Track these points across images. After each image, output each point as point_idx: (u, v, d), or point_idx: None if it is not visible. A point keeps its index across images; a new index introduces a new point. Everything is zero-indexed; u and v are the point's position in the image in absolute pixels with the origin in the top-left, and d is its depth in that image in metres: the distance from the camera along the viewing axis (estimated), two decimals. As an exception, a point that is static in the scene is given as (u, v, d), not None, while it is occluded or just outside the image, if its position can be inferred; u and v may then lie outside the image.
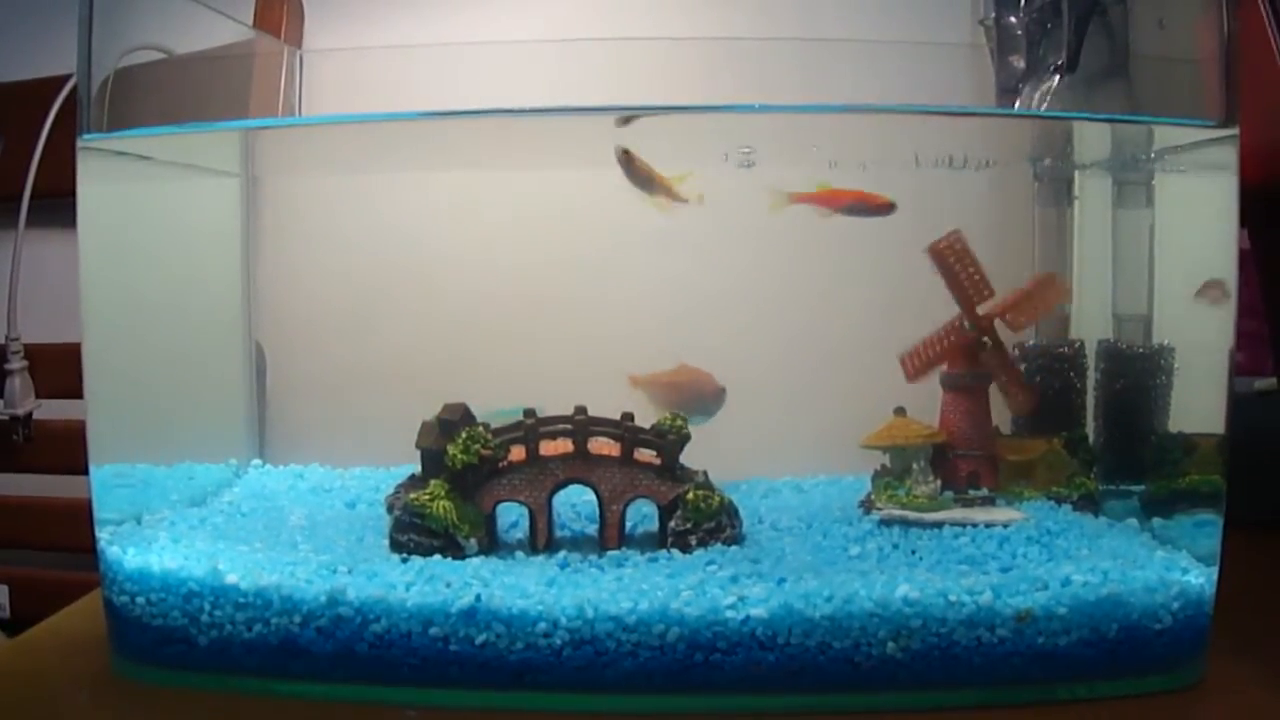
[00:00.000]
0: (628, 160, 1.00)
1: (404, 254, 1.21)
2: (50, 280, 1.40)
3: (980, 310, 1.05)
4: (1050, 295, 1.06)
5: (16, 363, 1.44)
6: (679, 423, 0.95)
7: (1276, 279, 1.07)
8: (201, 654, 0.85)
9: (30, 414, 1.46)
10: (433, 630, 0.82)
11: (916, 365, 1.06)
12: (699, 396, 1.07)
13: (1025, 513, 0.99)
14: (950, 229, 1.04)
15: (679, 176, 1.01)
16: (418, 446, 0.96)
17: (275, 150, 1.23)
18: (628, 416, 0.95)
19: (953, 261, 1.04)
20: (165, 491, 1.05)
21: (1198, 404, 0.97)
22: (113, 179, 0.95)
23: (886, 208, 1.05)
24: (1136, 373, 1.05)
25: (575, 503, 1.01)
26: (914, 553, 0.92)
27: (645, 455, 0.95)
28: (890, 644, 0.80)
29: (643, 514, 0.98)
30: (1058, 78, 1.04)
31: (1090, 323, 1.13)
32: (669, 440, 0.95)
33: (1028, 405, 1.08)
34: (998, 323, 1.05)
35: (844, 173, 1.08)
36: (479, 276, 1.18)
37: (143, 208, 1.04)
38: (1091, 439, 1.08)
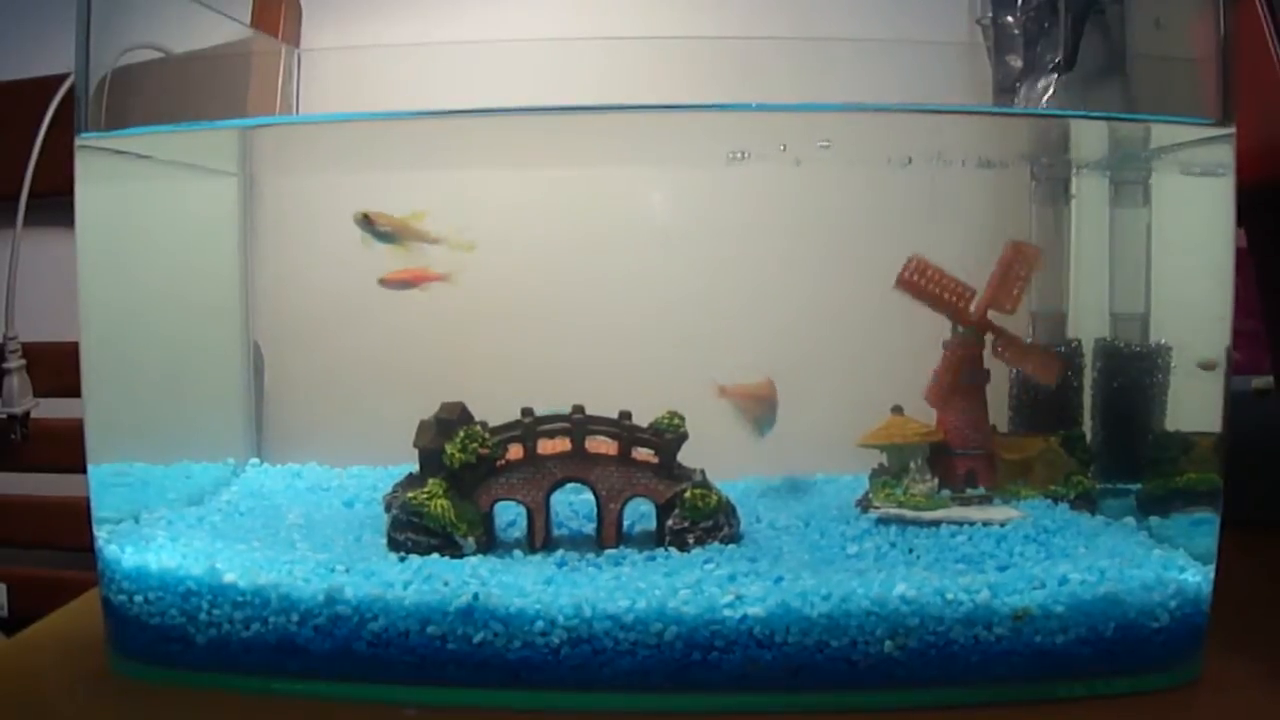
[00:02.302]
0: (368, 222, 1.03)
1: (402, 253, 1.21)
2: (48, 279, 1.40)
3: (972, 313, 1.05)
4: (1024, 262, 1.05)
5: (14, 361, 1.44)
6: (676, 421, 0.95)
7: (1273, 278, 1.07)
8: (199, 652, 0.85)
9: (28, 413, 1.46)
10: (430, 629, 0.82)
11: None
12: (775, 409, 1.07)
13: (1022, 511, 0.99)
14: (907, 257, 1.04)
15: (416, 215, 1.02)
16: (415, 445, 0.96)
17: (273, 149, 1.22)
18: (625, 415, 0.95)
19: (924, 285, 1.04)
20: (163, 490, 1.05)
21: (1195, 402, 0.97)
22: (111, 178, 0.95)
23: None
24: (1134, 371, 1.05)
25: (573, 501, 1.01)
26: (911, 551, 0.92)
27: (643, 454, 0.95)
28: (888, 642, 0.80)
29: (640, 513, 0.98)
30: (1055, 77, 1.04)
31: (1087, 321, 1.13)
32: (666, 439, 0.95)
33: (1058, 374, 1.08)
34: (993, 315, 1.06)
35: (842, 171, 1.08)
36: (476, 275, 1.18)
37: (141, 207, 1.04)
38: (1089, 438, 1.09)
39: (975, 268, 1.05)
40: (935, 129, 1.02)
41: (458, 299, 1.17)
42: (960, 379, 1.06)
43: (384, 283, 1.07)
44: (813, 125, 1.02)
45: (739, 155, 1.05)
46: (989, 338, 1.06)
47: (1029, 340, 1.13)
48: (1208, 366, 0.91)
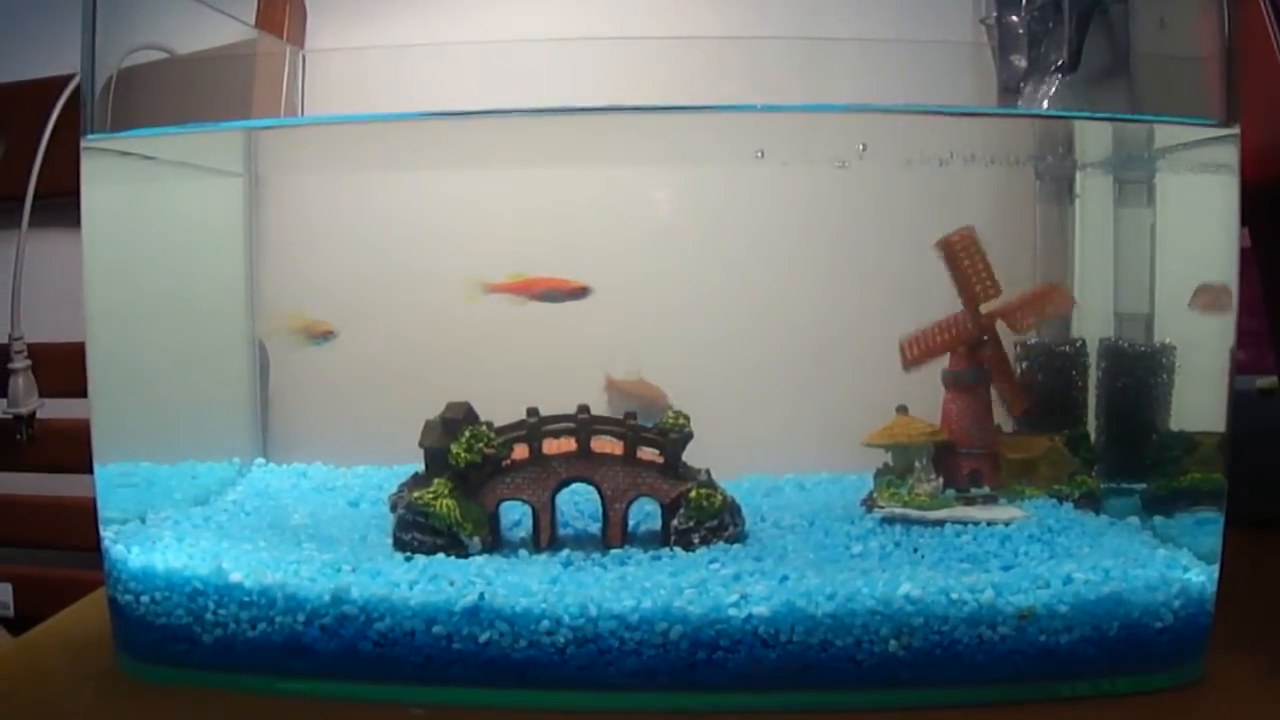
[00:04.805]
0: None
1: (407, 253, 1.21)
2: (53, 280, 1.41)
3: (984, 309, 1.05)
4: (1055, 303, 1.06)
5: (20, 362, 1.44)
6: (681, 421, 0.95)
7: (1277, 277, 1.07)
8: (206, 652, 0.85)
9: (34, 413, 1.46)
10: (436, 628, 0.82)
11: (915, 353, 1.06)
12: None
13: (1027, 511, 0.99)
14: (964, 225, 1.04)
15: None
16: (421, 445, 0.96)
17: (278, 150, 1.23)
18: (630, 415, 0.95)
19: (961, 257, 1.04)
20: (169, 490, 1.05)
21: (1199, 402, 0.97)
22: (116, 179, 0.96)
23: (579, 292, 1.07)
24: (1138, 371, 1.05)
25: (578, 501, 1.01)
26: (916, 551, 0.92)
27: (648, 453, 0.95)
28: (892, 642, 0.80)
29: (645, 512, 0.98)
30: (1059, 77, 1.04)
31: (1092, 321, 1.13)
32: (671, 439, 0.95)
33: (1020, 406, 1.08)
34: (1000, 325, 1.06)
35: (847, 171, 1.08)
36: (481, 275, 1.18)
37: (146, 207, 1.04)
38: (1093, 437, 1.08)
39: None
40: (939, 129, 1.03)
41: (461, 299, 1.17)
42: (958, 376, 1.06)
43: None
44: (815, 125, 1.02)
45: (759, 154, 1.05)
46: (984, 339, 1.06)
47: (1019, 355, 1.13)
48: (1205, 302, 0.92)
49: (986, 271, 1.04)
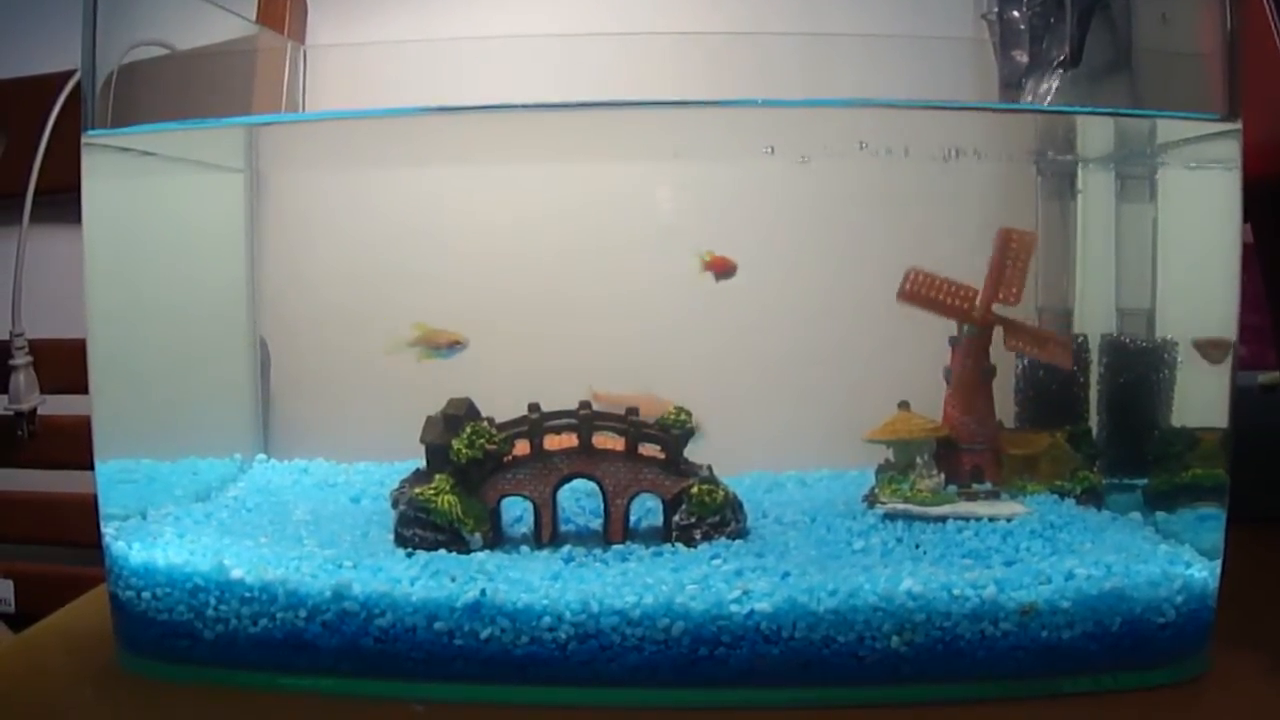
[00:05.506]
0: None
1: (408, 249, 1.21)
2: (54, 276, 1.41)
3: (976, 311, 1.05)
4: (1020, 250, 1.05)
5: (21, 358, 1.44)
6: (683, 417, 0.95)
7: (1279, 273, 1.07)
8: (207, 648, 0.85)
9: (35, 409, 1.46)
10: (437, 624, 0.82)
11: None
12: None
13: (1029, 507, 0.99)
14: (905, 270, 1.04)
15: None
16: (422, 441, 0.96)
17: (279, 145, 1.23)
18: (632, 411, 0.95)
19: (926, 295, 1.05)
20: (170, 486, 1.05)
21: (1201, 398, 0.97)
22: (117, 175, 0.96)
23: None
24: (1140, 367, 1.05)
25: (580, 497, 1.01)
26: (918, 547, 0.92)
27: (649, 450, 0.95)
28: (894, 638, 0.80)
29: (647, 508, 0.98)
30: (1060, 72, 1.04)
31: (1093, 317, 1.13)
32: (673, 435, 0.95)
33: (1068, 358, 1.08)
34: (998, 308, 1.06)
35: (847, 167, 1.08)
36: (482, 272, 1.18)
37: (147, 203, 1.04)
38: (1095, 433, 1.08)
39: (982, 264, 1.05)
40: (942, 124, 1.02)
41: (462, 295, 1.18)
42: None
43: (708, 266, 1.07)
44: (818, 120, 1.02)
45: (769, 150, 1.05)
46: (1000, 332, 1.06)
47: (1018, 363, 1.13)
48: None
49: (952, 286, 1.04)
